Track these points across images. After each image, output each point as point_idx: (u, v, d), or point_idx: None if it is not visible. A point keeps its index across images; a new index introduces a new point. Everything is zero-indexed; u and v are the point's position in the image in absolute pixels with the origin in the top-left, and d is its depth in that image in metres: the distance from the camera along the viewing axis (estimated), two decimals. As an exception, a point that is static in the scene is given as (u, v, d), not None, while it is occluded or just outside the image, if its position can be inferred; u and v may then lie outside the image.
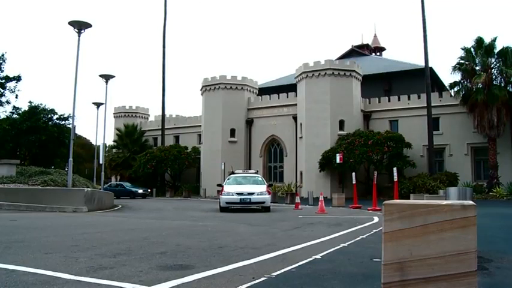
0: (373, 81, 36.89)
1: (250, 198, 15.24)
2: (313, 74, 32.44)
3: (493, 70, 28.96)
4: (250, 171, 18.92)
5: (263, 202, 15.44)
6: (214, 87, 37.28)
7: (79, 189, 16.11)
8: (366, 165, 30.42)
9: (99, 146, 30.63)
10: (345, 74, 32.26)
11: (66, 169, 28.86)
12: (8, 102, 34.54)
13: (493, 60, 28.98)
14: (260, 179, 17.29)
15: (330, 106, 31.52)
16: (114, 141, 45.08)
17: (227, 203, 15.40)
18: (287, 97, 35.92)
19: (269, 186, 17.41)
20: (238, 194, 15.38)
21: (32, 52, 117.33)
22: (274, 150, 37.01)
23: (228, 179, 17.51)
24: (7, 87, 33.59)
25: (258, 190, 15.53)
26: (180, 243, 6.13)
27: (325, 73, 32.02)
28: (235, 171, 18.62)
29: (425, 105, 29.21)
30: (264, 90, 39.98)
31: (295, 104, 34.43)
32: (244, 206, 15.64)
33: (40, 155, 36.24)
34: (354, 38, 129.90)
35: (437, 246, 2.03)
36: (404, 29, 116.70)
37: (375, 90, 36.40)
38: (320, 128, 31.48)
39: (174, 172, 38.71)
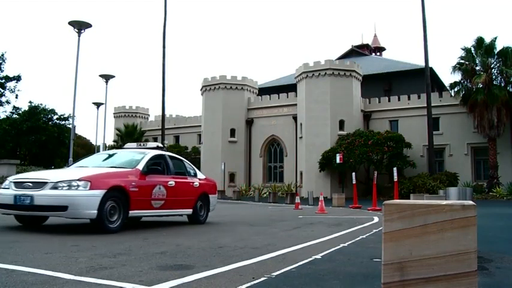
0: (373, 81, 36.92)
1: (31, 197, 6.67)
2: (313, 74, 32.44)
3: (493, 70, 28.99)
4: (149, 144, 10.43)
5: (64, 207, 6.60)
6: (214, 87, 37.28)
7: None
8: (366, 165, 30.42)
9: (99, 146, 30.69)
10: (345, 74, 32.27)
11: (66, 169, 28.84)
12: (8, 102, 34.61)
13: (493, 60, 29.00)
14: (139, 158, 8.20)
15: (330, 106, 31.53)
16: (114, 141, 45.06)
17: None
18: (287, 97, 35.93)
19: (153, 172, 8.16)
20: (17, 186, 7.05)
21: (32, 52, 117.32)
22: (274, 150, 37.02)
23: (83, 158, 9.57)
24: (7, 87, 33.63)
25: (62, 177, 6.87)
26: (180, 243, 6.13)
27: (325, 73, 32.03)
28: (125, 146, 10.36)
29: (425, 105, 29.21)
30: (264, 90, 40.00)
31: (295, 104, 34.44)
32: (27, 213, 7.12)
33: (40, 155, 36.27)
34: (354, 38, 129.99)
35: (437, 246, 2.03)
36: (404, 29, 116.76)
37: (375, 90, 36.42)
38: (320, 128, 31.49)
39: (174, 172, 38.67)
